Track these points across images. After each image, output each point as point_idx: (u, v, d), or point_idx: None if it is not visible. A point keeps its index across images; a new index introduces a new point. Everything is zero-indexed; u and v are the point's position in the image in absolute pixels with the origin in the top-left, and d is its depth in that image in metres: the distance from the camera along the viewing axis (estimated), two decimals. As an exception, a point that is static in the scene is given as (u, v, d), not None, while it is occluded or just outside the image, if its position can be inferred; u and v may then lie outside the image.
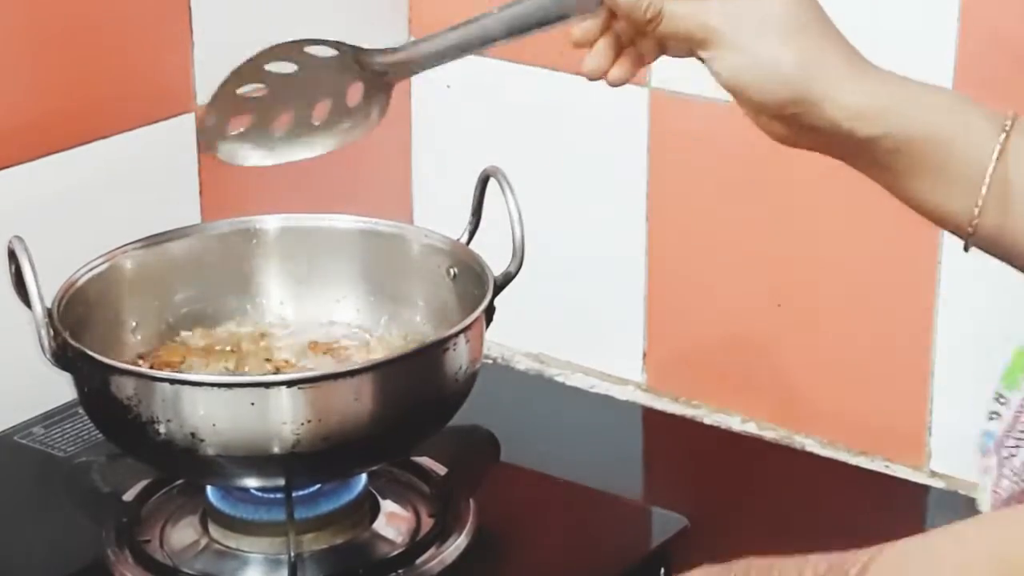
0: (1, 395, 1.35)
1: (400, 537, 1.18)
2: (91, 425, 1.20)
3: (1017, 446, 0.88)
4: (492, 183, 1.22)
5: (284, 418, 1.06)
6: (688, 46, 0.98)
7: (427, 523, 1.19)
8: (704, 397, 1.53)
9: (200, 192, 1.48)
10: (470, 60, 1.57)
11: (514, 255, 1.20)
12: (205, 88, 1.46)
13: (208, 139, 1.05)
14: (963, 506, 1.37)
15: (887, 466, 1.43)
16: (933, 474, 1.42)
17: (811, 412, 1.47)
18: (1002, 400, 0.90)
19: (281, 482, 1.11)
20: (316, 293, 1.30)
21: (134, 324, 1.25)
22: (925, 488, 1.39)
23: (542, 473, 1.31)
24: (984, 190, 0.93)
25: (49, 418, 1.36)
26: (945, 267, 1.37)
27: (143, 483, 1.22)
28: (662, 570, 1.20)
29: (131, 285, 1.24)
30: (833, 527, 1.29)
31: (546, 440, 1.40)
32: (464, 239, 1.24)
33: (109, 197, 1.41)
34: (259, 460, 1.08)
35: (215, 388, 1.08)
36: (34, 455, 1.32)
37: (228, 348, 1.25)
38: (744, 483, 1.36)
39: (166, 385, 1.07)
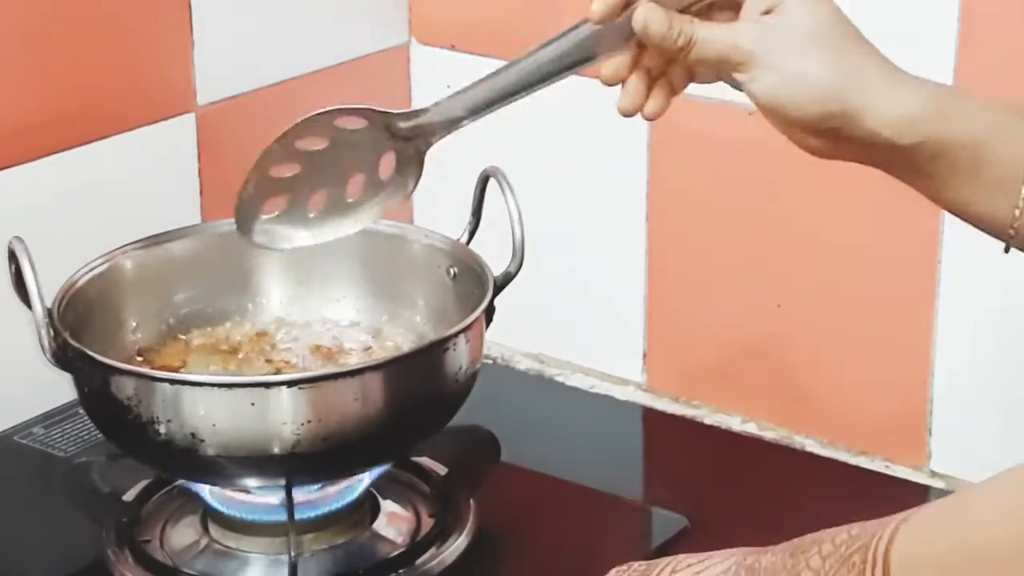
0: (1, 395, 1.35)
1: (400, 537, 1.18)
2: (91, 425, 1.20)
3: None
4: (492, 183, 1.22)
5: (284, 418, 1.06)
6: (722, 69, 0.98)
7: (427, 523, 1.19)
8: (704, 397, 1.53)
9: (200, 192, 1.48)
10: (470, 60, 1.58)
11: (514, 255, 1.20)
12: (205, 88, 1.47)
13: (244, 224, 1.04)
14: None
15: (887, 466, 1.43)
16: (933, 474, 1.42)
17: (811, 412, 1.47)
18: None
19: (281, 482, 1.11)
20: (316, 293, 1.30)
21: (134, 324, 1.25)
22: (925, 488, 1.39)
23: (542, 473, 1.31)
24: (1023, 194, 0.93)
25: (49, 418, 1.36)
26: (945, 267, 1.37)
27: (143, 483, 1.22)
28: (662, 570, 1.20)
29: (131, 285, 1.24)
30: (833, 527, 1.29)
31: (546, 440, 1.40)
32: (464, 239, 1.24)
33: (109, 197, 1.41)
34: (259, 460, 1.08)
35: (215, 388, 1.08)
36: (34, 455, 1.32)
37: (228, 348, 1.25)
38: (744, 483, 1.36)
39: (166, 385, 1.07)
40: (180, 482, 1.20)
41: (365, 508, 1.19)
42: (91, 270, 1.20)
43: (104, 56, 1.39)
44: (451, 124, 1.02)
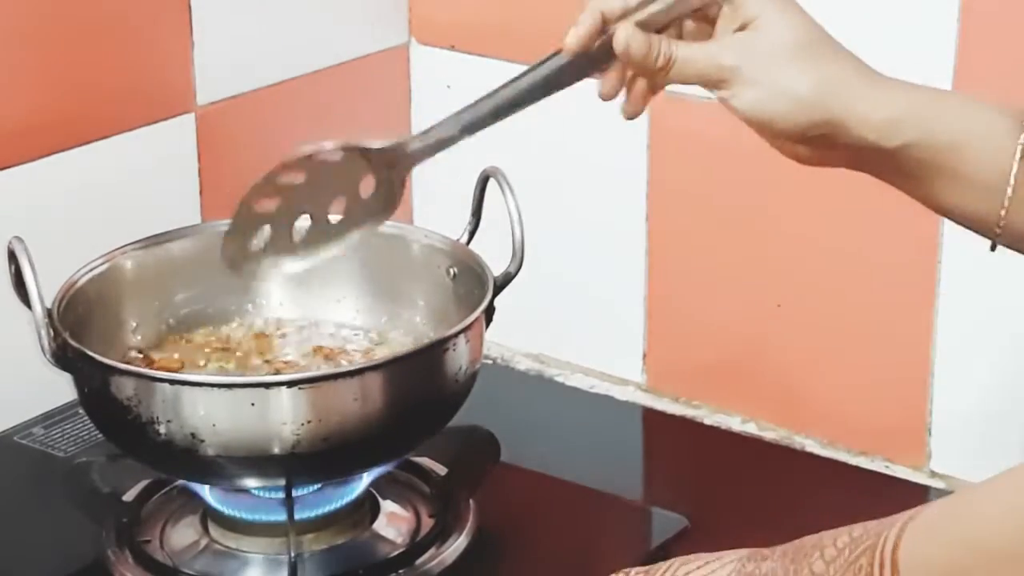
0: (1, 395, 1.35)
1: (400, 537, 1.18)
2: (91, 425, 1.20)
3: None
4: (492, 183, 1.22)
5: (284, 418, 1.06)
6: (703, 86, 0.98)
7: (427, 523, 1.19)
8: (704, 397, 1.53)
9: (200, 192, 1.48)
10: (470, 60, 1.58)
11: (514, 255, 1.20)
12: (205, 88, 1.47)
13: (232, 264, 1.05)
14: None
15: (887, 466, 1.43)
16: (933, 474, 1.42)
17: (811, 412, 1.47)
18: None
19: (281, 482, 1.11)
20: (316, 293, 1.30)
21: (134, 324, 1.25)
22: (925, 488, 1.39)
23: (542, 473, 1.31)
24: (1009, 190, 0.93)
25: (49, 418, 1.36)
26: (945, 267, 1.37)
27: (143, 483, 1.22)
28: (662, 570, 1.20)
29: (131, 285, 1.24)
30: (833, 527, 1.29)
31: (546, 440, 1.40)
32: (464, 239, 1.24)
33: (109, 197, 1.41)
34: (259, 460, 1.08)
35: (215, 388, 1.08)
36: (34, 455, 1.32)
37: (228, 348, 1.25)
38: (744, 483, 1.36)
39: (166, 385, 1.07)
40: (180, 482, 1.20)
41: (365, 508, 1.19)
42: (91, 270, 1.20)
43: (104, 56, 1.39)
44: (428, 153, 1.03)
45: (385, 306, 1.28)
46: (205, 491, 1.16)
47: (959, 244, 1.34)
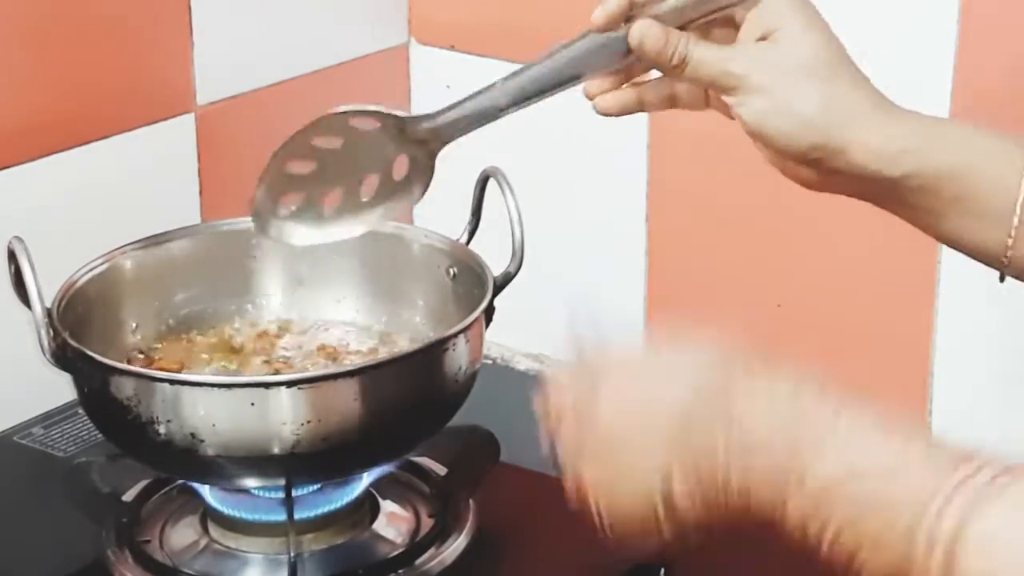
0: (1, 395, 1.35)
1: (400, 537, 1.18)
2: (91, 425, 1.20)
3: None
4: (492, 183, 1.22)
5: (284, 418, 1.06)
6: (714, 90, 0.98)
7: (427, 523, 1.19)
8: (704, 397, 1.52)
9: (200, 192, 1.48)
10: (469, 60, 1.58)
11: (514, 255, 1.20)
12: (205, 88, 1.47)
13: (260, 220, 1.04)
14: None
15: (887, 466, 1.42)
16: (933, 474, 1.41)
17: (811, 412, 1.47)
18: None
19: (281, 482, 1.11)
20: (316, 293, 1.30)
21: (134, 324, 1.25)
22: (925, 488, 1.39)
23: (542, 473, 1.30)
24: (1015, 221, 0.92)
25: (49, 418, 1.35)
26: (945, 267, 1.37)
27: (143, 483, 1.22)
28: (662, 570, 1.20)
29: (131, 285, 1.24)
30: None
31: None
32: (464, 239, 1.24)
33: (109, 197, 1.41)
34: (259, 460, 1.08)
35: (215, 388, 1.08)
36: (34, 455, 1.32)
37: (228, 348, 1.25)
38: (744, 483, 1.36)
39: (166, 385, 1.07)
40: (180, 482, 1.20)
41: (365, 508, 1.19)
42: (91, 270, 1.20)
43: (104, 56, 1.39)
44: (464, 126, 1.02)
45: (385, 306, 1.28)
46: (205, 491, 1.16)
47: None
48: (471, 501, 1.21)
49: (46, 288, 1.11)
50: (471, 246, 1.24)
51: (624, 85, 1.01)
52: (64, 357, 1.10)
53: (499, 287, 1.19)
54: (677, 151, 1.49)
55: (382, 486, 1.21)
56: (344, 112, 1.02)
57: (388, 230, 1.26)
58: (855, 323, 1.43)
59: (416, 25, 1.63)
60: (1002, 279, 0.96)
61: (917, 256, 1.37)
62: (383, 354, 1.23)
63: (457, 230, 1.25)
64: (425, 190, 1.05)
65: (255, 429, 1.07)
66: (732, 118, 0.99)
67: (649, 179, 1.51)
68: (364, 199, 1.05)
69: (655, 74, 1.02)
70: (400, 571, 1.15)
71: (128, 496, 1.21)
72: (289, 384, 1.07)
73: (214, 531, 1.17)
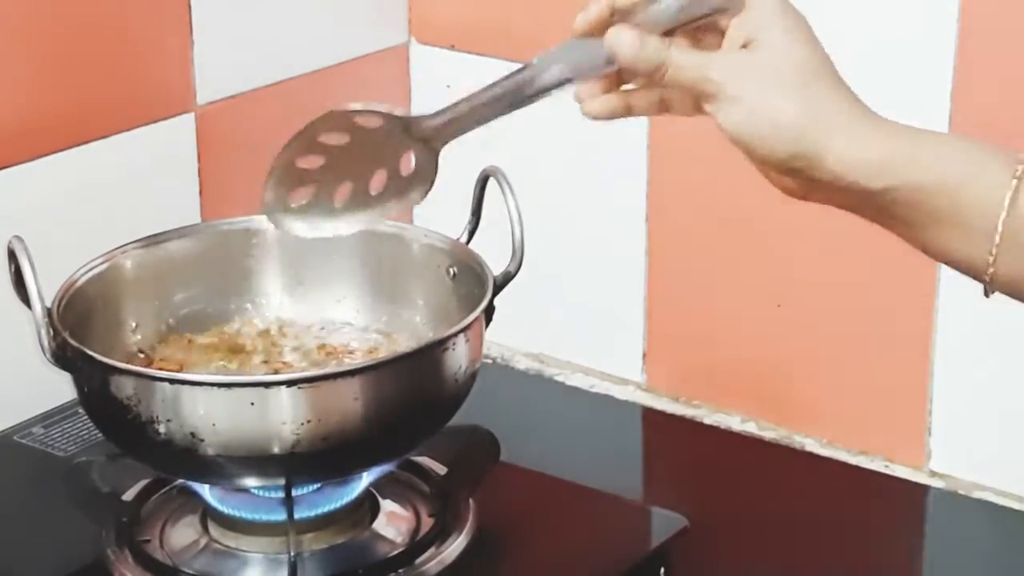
0: (1, 395, 1.35)
1: (400, 537, 1.18)
2: (91, 425, 1.20)
3: None
4: (492, 183, 1.22)
5: (284, 418, 1.06)
6: (695, 96, 0.98)
7: (427, 523, 1.19)
8: (704, 397, 1.53)
9: (200, 192, 1.48)
10: (469, 60, 1.58)
11: (514, 255, 1.20)
12: (205, 88, 1.47)
13: (271, 213, 1.04)
14: (963, 506, 1.37)
15: (887, 466, 1.43)
16: (933, 474, 1.42)
17: (811, 412, 1.47)
18: None
19: (281, 482, 1.11)
20: (316, 293, 1.30)
21: (134, 324, 1.25)
22: (925, 488, 1.39)
23: (542, 473, 1.31)
24: (997, 238, 0.92)
25: (49, 418, 1.35)
26: (945, 267, 1.37)
27: (143, 483, 1.22)
28: (662, 570, 1.20)
29: (131, 285, 1.24)
30: (833, 527, 1.29)
31: (546, 440, 1.40)
32: (464, 239, 1.24)
33: (109, 197, 1.41)
34: (259, 460, 1.08)
35: (215, 388, 1.08)
36: (34, 455, 1.32)
37: (228, 348, 1.25)
38: (744, 483, 1.36)
39: (166, 385, 1.07)
40: (180, 482, 1.20)
41: (365, 508, 1.19)
42: (91, 270, 1.20)
43: (104, 56, 1.39)
44: (467, 124, 1.03)
45: (385, 306, 1.28)
46: (205, 491, 1.16)
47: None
48: (471, 501, 1.21)
49: (46, 288, 1.11)
50: (471, 246, 1.24)
51: (613, 90, 1.01)
52: (64, 357, 1.10)
53: (499, 287, 1.19)
54: (677, 151, 1.49)
55: (382, 486, 1.21)
56: (350, 110, 1.02)
57: (388, 230, 1.26)
58: (855, 323, 1.43)
59: (416, 25, 1.63)
60: (986, 294, 0.96)
61: (917, 256, 1.37)
62: (383, 354, 1.23)
63: (457, 230, 1.25)
64: (431, 187, 1.05)
65: (255, 429, 1.07)
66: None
67: (649, 179, 1.51)
68: (373, 193, 1.05)
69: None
70: (400, 571, 1.15)
71: (128, 496, 1.21)
72: (289, 384, 1.07)
73: (214, 531, 1.17)
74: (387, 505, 1.21)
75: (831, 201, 0.98)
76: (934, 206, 0.93)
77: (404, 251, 1.27)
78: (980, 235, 0.92)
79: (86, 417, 1.18)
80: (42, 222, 1.34)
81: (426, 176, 1.04)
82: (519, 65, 1.01)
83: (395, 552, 1.16)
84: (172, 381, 1.07)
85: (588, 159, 1.54)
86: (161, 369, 1.19)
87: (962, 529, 1.34)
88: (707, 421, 1.50)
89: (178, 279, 1.27)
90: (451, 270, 1.24)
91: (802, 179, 0.96)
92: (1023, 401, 1.36)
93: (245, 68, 1.50)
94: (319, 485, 1.16)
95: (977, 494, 1.38)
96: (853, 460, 1.43)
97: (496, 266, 1.20)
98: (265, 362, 1.24)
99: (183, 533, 1.18)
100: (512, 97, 1.01)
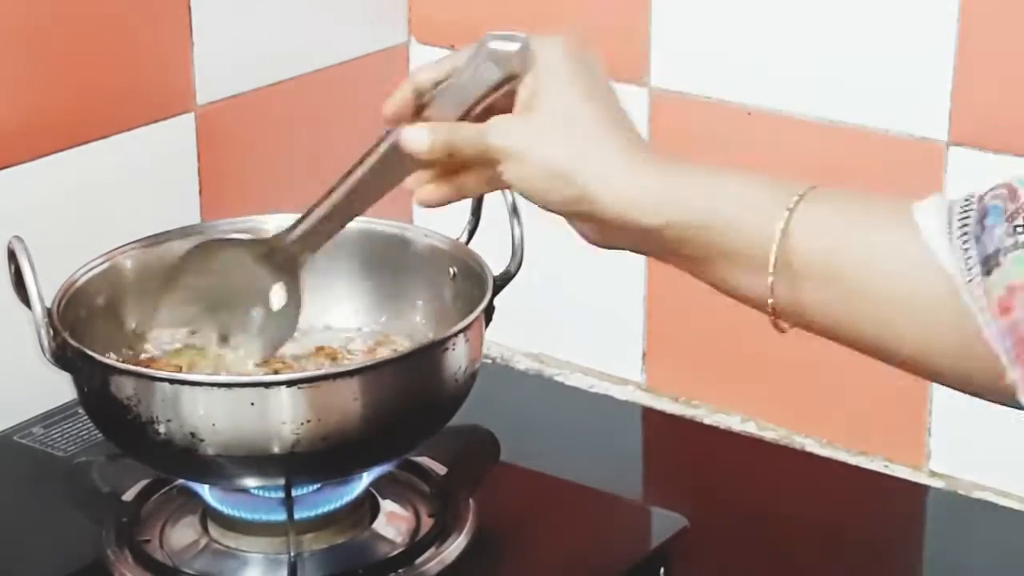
0: (1, 395, 1.35)
1: (400, 537, 1.18)
2: (91, 425, 1.20)
3: None
4: (492, 183, 1.22)
5: (284, 418, 1.06)
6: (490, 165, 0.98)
7: (427, 523, 1.19)
8: (704, 397, 1.53)
9: (200, 192, 1.48)
10: (470, 60, 1.58)
11: (514, 255, 1.20)
12: (205, 88, 1.47)
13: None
14: (963, 506, 1.37)
15: (886, 465, 1.43)
16: (933, 474, 1.42)
17: (811, 412, 1.47)
18: None
19: (281, 482, 1.11)
20: (316, 293, 1.29)
21: (134, 324, 1.25)
22: (925, 488, 1.39)
23: (542, 473, 1.31)
24: (771, 267, 0.92)
25: (49, 418, 1.36)
26: (945, 267, 1.37)
27: (143, 483, 1.22)
28: (662, 570, 1.20)
29: (131, 285, 1.24)
30: (833, 527, 1.29)
31: (546, 440, 1.40)
32: (464, 239, 1.24)
33: (109, 197, 1.41)
34: (259, 460, 1.08)
35: (215, 388, 1.08)
36: (34, 455, 1.32)
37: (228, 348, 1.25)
38: (744, 483, 1.36)
39: (166, 385, 1.07)
40: (180, 482, 1.20)
41: (365, 508, 1.19)
42: (91, 270, 1.20)
43: (104, 56, 1.39)
44: (327, 232, 1.07)
45: (385, 306, 1.28)
46: (205, 491, 1.16)
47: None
48: (471, 501, 1.21)
49: (46, 288, 1.11)
50: (471, 246, 1.24)
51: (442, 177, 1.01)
52: (64, 357, 1.10)
53: (499, 287, 1.19)
54: (677, 150, 1.48)
55: (382, 486, 1.21)
56: (212, 241, 1.08)
57: (388, 230, 1.26)
58: (855, 323, 1.43)
59: (416, 25, 1.63)
60: (777, 327, 0.96)
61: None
62: (383, 354, 1.23)
63: (457, 230, 1.25)
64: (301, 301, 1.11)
65: (255, 429, 1.07)
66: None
67: (649, 179, 1.51)
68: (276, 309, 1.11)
69: None
70: (400, 571, 1.15)
71: (128, 496, 1.21)
72: (289, 384, 1.07)
73: (214, 531, 1.17)
74: (387, 505, 1.21)
75: (623, 244, 0.99)
76: (707, 242, 0.94)
77: (404, 251, 1.27)
78: (755, 269, 0.93)
79: (86, 417, 1.18)
80: (42, 222, 1.34)
81: (295, 302, 1.11)
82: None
83: (395, 552, 1.16)
84: (172, 381, 1.07)
85: (588, 159, 1.54)
86: (161, 369, 1.19)
87: (962, 529, 1.34)
88: (707, 421, 1.50)
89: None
90: (451, 270, 1.24)
91: (594, 223, 0.97)
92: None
93: (245, 68, 1.50)
94: (319, 485, 1.16)
95: (977, 494, 1.38)
96: (853, 460, 1.43)
97: (496, 266, 1.20)
98: (265, 362, 1.23)
99: (183, 533, 1.18)
100: (356, 201, 1.04)
